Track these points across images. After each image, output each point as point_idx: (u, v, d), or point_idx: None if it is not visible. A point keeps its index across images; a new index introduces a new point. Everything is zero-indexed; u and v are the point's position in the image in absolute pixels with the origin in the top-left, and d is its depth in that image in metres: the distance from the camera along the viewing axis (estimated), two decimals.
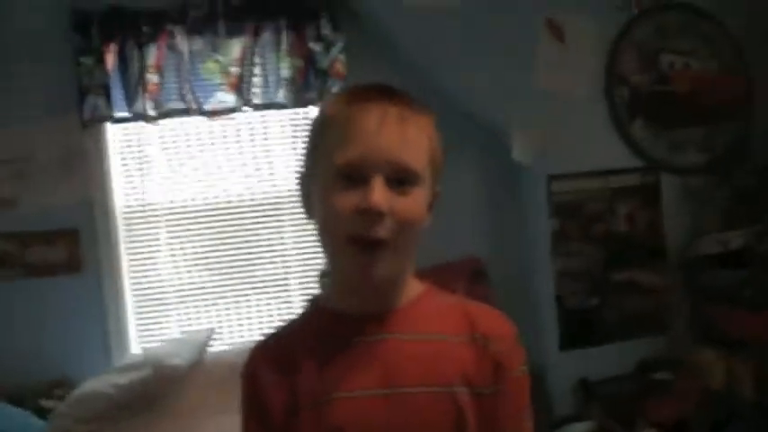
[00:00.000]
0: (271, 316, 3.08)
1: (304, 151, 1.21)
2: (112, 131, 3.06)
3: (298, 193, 1.23)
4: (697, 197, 3.08)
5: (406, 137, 1.12)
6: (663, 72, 3.05)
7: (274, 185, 3.15)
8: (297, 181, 1.23)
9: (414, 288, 1.22)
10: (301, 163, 1.22)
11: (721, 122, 3.12)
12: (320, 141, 1.17)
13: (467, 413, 1.14)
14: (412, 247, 1.17)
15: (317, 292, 1.27)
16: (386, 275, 1.14)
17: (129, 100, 2.92)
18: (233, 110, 3.00)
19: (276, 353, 1.21)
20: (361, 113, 1.12)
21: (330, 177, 1.12)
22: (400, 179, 1.11)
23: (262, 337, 1.26)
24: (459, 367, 1.16)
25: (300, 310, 1.28)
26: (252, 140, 3.15)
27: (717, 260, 2.94)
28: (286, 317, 1.29)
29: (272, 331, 1.27)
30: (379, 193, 1.08)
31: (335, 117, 1.15)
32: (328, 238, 1.15)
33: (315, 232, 1.19)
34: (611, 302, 3.03)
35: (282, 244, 3.15)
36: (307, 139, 1.21)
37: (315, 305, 1.26)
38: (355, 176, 1.09)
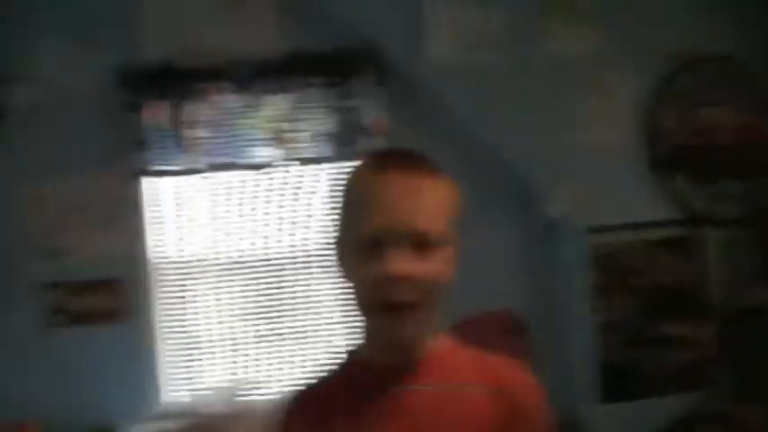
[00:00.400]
0: (307, 366, 3.12)
1: (337, 215, 1.28)
2: (161, 184, 3.16)
3: (334, 256, 1.30)
4: (738, 250, 3.07)
5: (424, 204, 1.19)
6: (705, 124, 3.07)
7: (311, 239, 3.20)
8: (333, 245, 1.30)
9: (441, 342, 1.29)
10: (336, 226, 1.29)
11: (764, 175, 3.11)
12: (347, 208, 1.26)
13: None
14: (435, 304, 1.23)
15: (353, 346, 1.34)
16: (412, 333, 1.22)
17: (178, 154, 3.03)
18: (277, 164, 3.10)
19: (310, 404, 1.29)
20: (381, 184, 1.19)
21: (358, 245, 1.20)
22: (421, 244, 1.18)
23: (297, 390, 1.33)
24: (482, 419, 1.21)
25: (335, 362, 1.34)
26: (295, 195, 3.22)
27: (759, 313, 2.91)
28: (323, 367, 1.35)
29: (307, 383, 1.34)
30: (398, 263, 1.16)
31: (359, 186, 1.24)
32: (360, 300, 1.23)
33: (350, 291, 1.26)
34: (652, 356, 3.01)
35: (327, 298, 3.19)
36: (338, 205, 1.28)
37: (350, 359, 1.33)
38: (380, 245, 1.17)
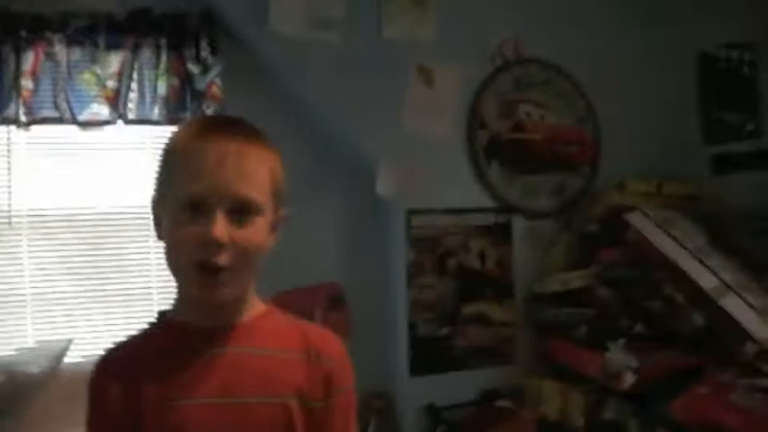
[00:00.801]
0: (131, 329, 3.05)
1: (156, 176, 1.30)
2: None
3: (150, 215, 1.32)
4: (544, 239, 3.31)
5: (246, 171, 1.22)
6: (520, 121, 3.28)
7: (141, 200, 3.16)
8: (150, 204, 1.31)
9: (256, 306, 1.33)
10: (153, 188, 1.31)
11: (571, 172, 3.37)
12: (167, 171, 1.27)
13: (297, 424, 1.25)
14: (253, 270, 1.27)
15: (165, 307, 1.35)
16: (227, 297, 1.25)
17: (2, 103, 2.90)
18: (107, 122, 3.02)
19: (121, 363, 1.29)
20: (203, 149, 1.21)
21: (177, 208, 1.22)
22: (241, 210, 1.21)
23: (107, 349, 1.33)
24: (293, 381, 1.27)
25: (149, 323, 1.36)
26: (123, 155, 3.16)
27: (558, 298, 3.17)
28: (140, 327, 1.37)
29: (118, 342, 1.35)
30: (219, 227, 1.18)
31: (181, 149, 1.25)
32: (175, 261, 1.24)
33: (163, 252, 1.27)
34: (461, 333, 3.19)
35: (147, 258, 3.16)
36: (157, 166, 1.30)
37: (160, 319, 1.35)
38: (200, 208, 1.19)
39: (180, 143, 1.26)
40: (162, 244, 1.28)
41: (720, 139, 3.20)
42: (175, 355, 1.26)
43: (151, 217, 1.31)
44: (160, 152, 1.30)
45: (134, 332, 1.36)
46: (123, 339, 1.35)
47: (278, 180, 1.29)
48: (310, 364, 1.29)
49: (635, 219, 3.01)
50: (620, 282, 3.00)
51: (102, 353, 1.32)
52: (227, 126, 1.27)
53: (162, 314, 1.35)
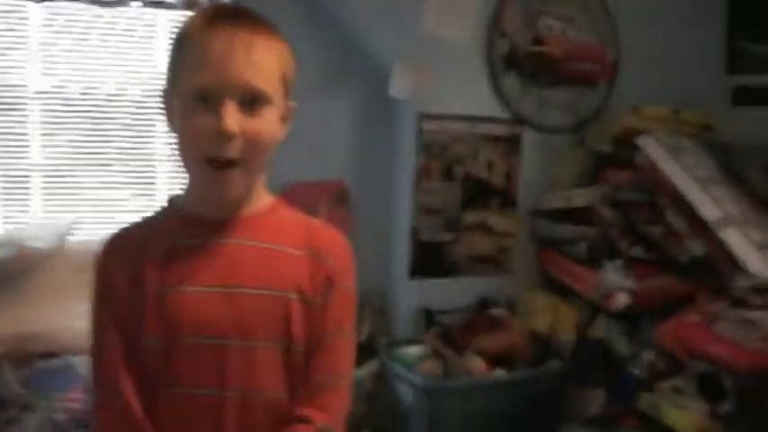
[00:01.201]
0: (136, 212, 3.08)
1: (167, 65, 1.29)
2: None
3: (162, 107, 1.31)
4: (554, 155, 3.31)
5: (255, 60, 1.21)
6: (541, 34, 3.22)
7: (153, 84, 3.14)
8: (161, 96, 1.31)
9: (263, 200, 1.34)
10: (165, 76, 1.30)
11: (588, 89, 3.33)
12: (178, 60, 1.26)
13: (294, 317, 1.28)
14: (263, 163, 1.28)
15: (174, 194, 1.36)
16: (236, 191, 1.26)
17: None
18: (122, 2, 2.98)
19: (128, 245, 1.31)
20: (212, 39, 1.20)
21: (187, 99, 1.21)
22: (251, 101, 1.21)
23: (114, 231, 1.34)
24: (294, 276, 1.29)
25: (159, 208, 1.38)
26: (137, 36, 3.13)
27: (561, 214, 3.19)
28: (150, 212, 1.39)
29: (127, 225, 1.36)
30: (229, 118, 1.18)
31: (191, 39, 1.23)
32: (185, 153, 1.25)
33: (176, 143, 1.27)
34: (462, 240, 3.23)
35: (154, 143, 3.18)
36: (170, 55, 1.29)
37: (170, 206, 1.36)
38: (209, 99, 1.19)
39: (189, 33, 1.25)
40: (171, 133, 1.28)
41: (743, 71, 3.15)
42: (180, 242, 1.28)
43: (162, 107, 1.31)
44: (172, 41, 1.29)
45: (142, 216, 1.37)
46: (132, 223, 1.36)
47: (287, 71, 1.28)
48: (312, 261, 1.31)
49: (646, 142, 3.00)
50: (624, 204, 3.01)
51: (111, 234, 1.34)
52: (235, 16, 1.26)
53: (171, 201, 1.36)
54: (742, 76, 3.16)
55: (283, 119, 1.29)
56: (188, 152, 1.24)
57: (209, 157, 1.21)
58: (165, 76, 1.30)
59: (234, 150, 1.20)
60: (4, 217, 3.04)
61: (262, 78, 1.22)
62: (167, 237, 1.29)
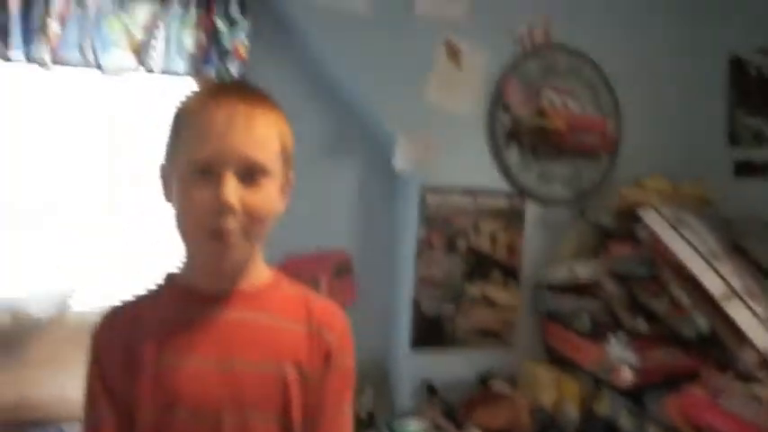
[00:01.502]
0: (134, 285, 3.07)
1: (166, 140, 1.31)
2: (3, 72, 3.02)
3: (159, 180, 1.33)
4: (556, 227, 3.31)
5: (254, 134, 1.23)
6: (543, 107, 3.26)
7: (153, 156, 3.16)
8: (159, 167, 1.32)
9: (262, 273, 1.35)
10: (163, 151, 1.31)
11: (589, 161, 3.35)
12: (178, 135, 1.28)
13: (292, 393, 1.27)
14: (263, 235, 1.29)
15: (172, 269, 1.36)
16: (236, 261, 1.27)
17: (27, 43, 2.90)
18: (130, 70, 3.03)
19: (125, 319, 1.31)
20: (212, 112, 1.22)
21: (186, 172, 1.23)
22: (250, 173, 1.22)
23: (112, 306, 1.35)
24: (293, 351, 1.29)
25: (156, 283, 1.38)
26: (143, 104, 3.16)
27: (564, 287, 3.17)
28: (148, 287, 1.38)
29: (125, 299, 1.36)
30: (229, 190, 1.19)
31: (191, 113, 1.26)
32: (184, 225, 1.26)
33: (172, 215, 1.29)
34: (465, 313, 3.21)
35: (155, 216, 3.17)
36: (168, 130, 1.30)
37: (167, 280, 1.36)
38: (209, 172, 1.21)
39: (188, 108, 1.27)
40: (169, 206, 1.29)
41: (744, 144, 3.17)
42: (177, 316, 1.28)
43: (160, 181, 1.32)
44: (170, 116, 1.31)
45: (139, 292, 1.37)
46: (129, 298, 1.36)
47: (286, 143, 1.30)
48: (312, 337, 1.31)
49: (648, 215, 3.00)
50: (627, 277, 3.00)
51: (108, 308, 1.34)
52: (235, 89, 1.30)
53: (169, 276, 1.36)
54: (743, 149, 3.18)
55: (283, 190, 1.31)
56: (187, 225, 1.25)
57: (209, 229, 1.21)
58: (164, 151, 1.31)
59: (234, 222, 1.21)
60: (1, 283, 3.02)
61: (261, 151, 1.23)
62: (164, 310, 1.29)
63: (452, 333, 3.20)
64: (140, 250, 3.14)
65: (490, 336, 3.26)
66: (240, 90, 1.29)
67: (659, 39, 3.41)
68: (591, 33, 3.32)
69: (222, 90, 1.30)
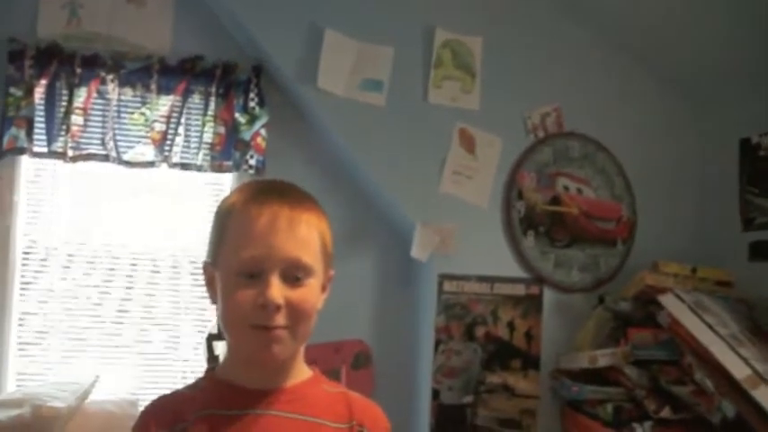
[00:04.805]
0: (156, 373, 3.08)
1: (209, 239, 1.34)
2: (27, 165, 3.07)
3: (202, 276, 1.36)
4: (575, 314, 3.29)
5: (297, 236, 1.26)
6: (557, 194, 3.30)
7: (178, 244, 3.19)
8: (202, 266, 1.35)
9: (303, 372, 1.36)
10: (207, 250, 1.35)
11: (605, 248, 3.36)
12: (221, 235, 1.31)
13: None
14: (307, 332, 1.30)
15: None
16: (280, 357, 1.27)
17: (51, 137, 2.96)
18: (151, 164, 3.08)
19: (167, 412, 1.30)
20: (256, 214, 1.26)
21: (231, 273, 1.26)
22: (294, 273, 1.25)
23: (154, 397, 1.35)
24: None
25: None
26: (165, 197, 3.21)
27: (585, 375, 3.14)
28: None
29: (165, 393, 1.37)
30: (275, 290, 1.22)
31: (234, 214, 1.29)
32: (230, 322, 1.28)
33: (215, 312, 1.32)
34: (484, 402, 3.16)
35: (177, 304, 3.18)
36: (211, 229, 1.34)
37: (209, 375, 1.37)
38: (253, 272, 1.24)
39: (233, 207, 1.30)
40: (213, 303, 1.32)
41: (758, 227, 3.19)
42: (218, 412, 1.27)
43: (204, 278, 1.35)
44: (215, 213, 1.35)
45: (181, 385, 1.39)
46: (171, 390, 1.37)
47: (327, 242, 1.33)
48: None
49: (668, 300, 2.99)
50: (649, 363, 2.97)
51: (150, 401, 1.35)
52: (278, 192, 1.31)
53: (210, 371, 1.38)
54: (757, 232, 3.20)
55: (323, 287, 1.32)
56: (233, 321, 1.27)
57: (255, 325, 1.24)
58: (207, 248, 1.35)
59: (279, 319, 1.23)
60: (20, 374, 3.01)
61: (305, 252, 1.26)
62: (206, 405, 1.29)
63: (472, 423, 3.14)
64: (160, 342, 3.13)
65: (510, 425, 3.20)
66: (282, 191, 1.32)
67: (670, 124, 3.47)
68: (603, 120, 3.38)
69: (264, 191, 1.32)
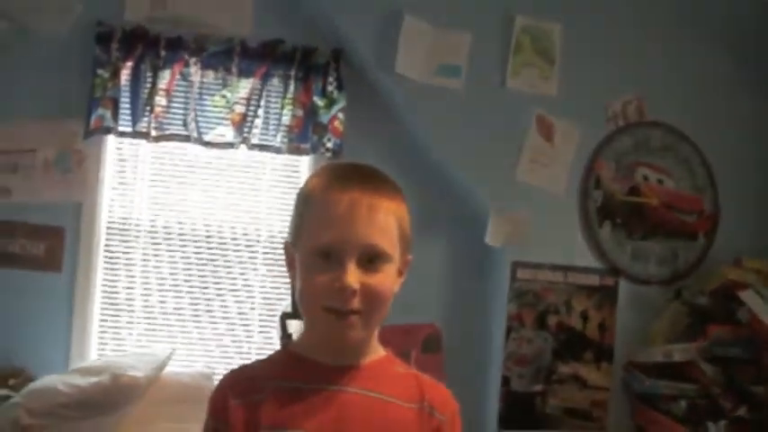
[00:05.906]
0: (229, 347, 3.16)
1: (291, 220, 1.36)
2: (112, 144, 3.17)
3: (282, 255, 1.39)
4: (650, 307, 3.23)
5: (376, 222, 1.27)
6: (636, 184, 3.23)
7: (256, 224, 3.26)
8: (283, 246, 1.38)
9: (377, 351, 1.37)
10: (289, 230, 1.37)
11: (685, 241, 3.28)
12: (302, 217, 1.32)
13: None
14: (382, 315, 1.31)
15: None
16: (355, 339, 1.29)
17: (135, 117, 3.05)
18: (230, 145, 3.14)
19: (243, 382, 1.34)
20: (336, 200, 1.27)
21: (309, 255, 1.28)
22: (371, 259, 1.26)
23: (232, 368, 1.39)
24: (404, 428, 1.30)
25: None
26: (243, 178, 3.28)
27: (659, 369, 3.08)
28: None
29: (242, 363, 1.41)
30: (351, 275, 1.24)
31: (315, 198, 1.31)
32: (307, 303, 1.30)
33: (294, 290, 1.34)
34: (554, 392, 3.15)
35: (250, 281, 3.25)
36: (293, 210, 1.36)
37: (285, 350, 1.41)
38: (331, 256, 1.25)
39: (313, 192, 1.32)
40: (291, 281, 1.35)
41: None
42: (294, 385, 1.30)
43: (285, 258, 1.37)
44: (296, 194, 1.37)
45: (258, 357, 1.44)
46: (248, 362, 1.42)
47: (405, 229, 1.33)
48: (423, 416, 1.31)
49: (748, 297, 2.91)
50: (726, 360, 2.90)
51: (227, 371, 1.39)
52: (359, 177, 1.32)
53: (285, 346, 1.41)
54: None
55: (400, 272, 1.33)
56: (310, 302, 1.29)
57: (331, 308, 1.25)
58: (288, 229, 1.37)
59: (355, 303, 1.25)
60: (102, 344, 3.13)
61: (382, 239, 1.27)
62: (282, 377, 1.32)
63: (543, 412, 3.13)
64: (234, 318, 3.21)
65: (580, 416, 3.18)
66: (362, 177, 1.32)
67: (754, 114, 3.37)
68: (685, 109, 3.30)
69: (345, 175, 1.33)
